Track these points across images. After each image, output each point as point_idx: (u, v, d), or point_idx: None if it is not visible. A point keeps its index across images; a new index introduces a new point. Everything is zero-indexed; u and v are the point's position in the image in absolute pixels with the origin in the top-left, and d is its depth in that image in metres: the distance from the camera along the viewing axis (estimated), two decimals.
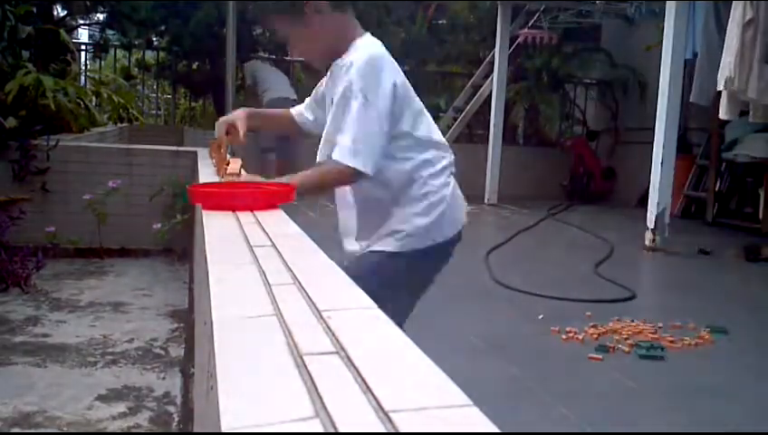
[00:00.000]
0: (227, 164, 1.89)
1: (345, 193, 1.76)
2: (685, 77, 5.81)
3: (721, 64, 5.58)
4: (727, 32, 5.62)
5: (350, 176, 1.60)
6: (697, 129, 7.88)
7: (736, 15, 5.51)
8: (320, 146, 1.73)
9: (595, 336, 3.14)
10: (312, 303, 0.77)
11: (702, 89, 6.62)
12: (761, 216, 6.67)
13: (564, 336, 3.13)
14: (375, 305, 0.77)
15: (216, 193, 1.60)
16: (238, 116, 1.86)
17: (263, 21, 2.02)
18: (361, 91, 1.56)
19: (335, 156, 1.58)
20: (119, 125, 7.35)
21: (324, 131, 1.71)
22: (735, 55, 5.43)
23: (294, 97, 7.19)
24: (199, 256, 1.52)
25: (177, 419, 2.52)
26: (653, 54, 6.49)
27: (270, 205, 1.45)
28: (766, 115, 5.87)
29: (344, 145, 1.57)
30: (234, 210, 1.41)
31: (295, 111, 1.98)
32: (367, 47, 1.64)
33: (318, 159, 1.73)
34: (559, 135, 10.17)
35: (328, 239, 1.55)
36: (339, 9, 1.66)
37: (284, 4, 1.66)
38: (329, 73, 1.76)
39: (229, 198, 1.51)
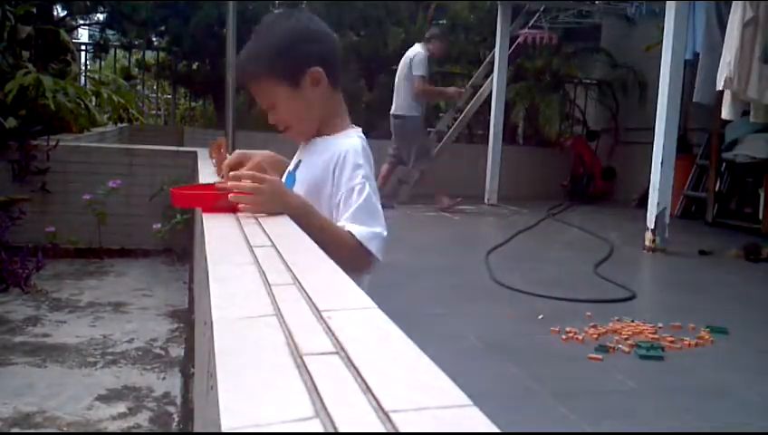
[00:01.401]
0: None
1: None
2: (685, 77, 5.81)
3: (720, 64, 5.58)
4: (727, 31, 5.63)
5: (366, 262, 1.42)
6: (697, 129, 7.88)
7: (736, 15, 5.52)
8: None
9: (595, 336, 3.14)
10: (312, 303, 0.77)
11: (704, 89, 6.63)
12: (761, 216, 6.67)
13: (564, 336, 3.13)
14: (375, 305, 0.77)
15: (191, 195, 1.61)
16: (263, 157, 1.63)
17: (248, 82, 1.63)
18: (368, 179, 1.47)
19: (360, 235, 1.38)
20: (119, 125, 7.35)
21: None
22: (735, 55, 5.44)
23: None
24: (199, 256, 1.52)
25: (177, 419, 2.52)
26: (653, 54, 6.49)
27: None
28: (767, 115, 5.88)
29: (374, 231, 1.40)
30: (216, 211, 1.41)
31: None
32: (358, 137, 1.56)
33: None
34: (559, 135, 10.17)
35: None
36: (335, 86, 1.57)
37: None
38: (305, 146, 1.62)
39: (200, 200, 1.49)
